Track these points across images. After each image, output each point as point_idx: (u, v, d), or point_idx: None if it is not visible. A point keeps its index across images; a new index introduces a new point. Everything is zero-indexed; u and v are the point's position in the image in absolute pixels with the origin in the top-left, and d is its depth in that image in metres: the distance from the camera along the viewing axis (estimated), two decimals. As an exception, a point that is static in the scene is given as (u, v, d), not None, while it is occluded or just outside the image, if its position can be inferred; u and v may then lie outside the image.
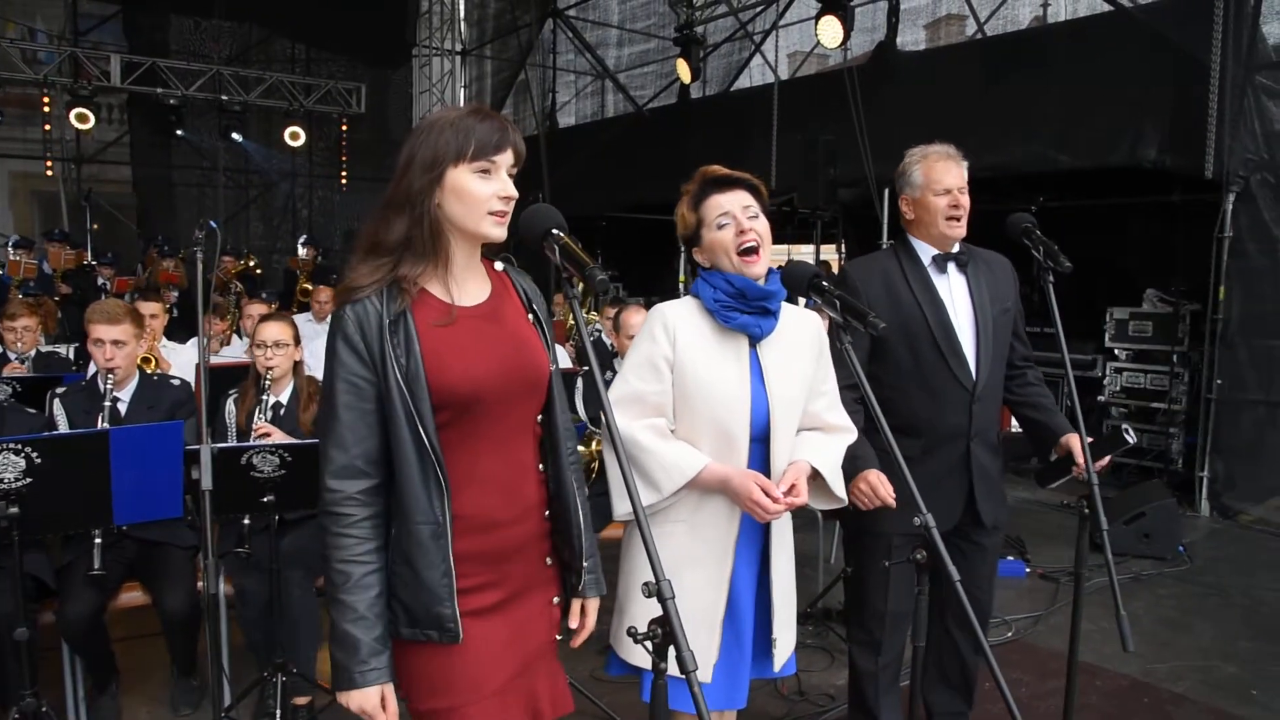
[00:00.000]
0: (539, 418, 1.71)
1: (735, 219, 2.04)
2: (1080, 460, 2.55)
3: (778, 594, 2.15)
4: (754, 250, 2.04)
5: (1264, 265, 6.18)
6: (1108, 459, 2.63)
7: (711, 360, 2.05)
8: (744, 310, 2.05)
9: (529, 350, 1.66)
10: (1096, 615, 4.07)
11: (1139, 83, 6.36)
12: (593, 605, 1.83)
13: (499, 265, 1.73)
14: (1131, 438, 2.53)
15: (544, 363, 1.67)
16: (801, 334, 2.16)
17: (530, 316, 1.71)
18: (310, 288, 8.99)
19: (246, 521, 3.18)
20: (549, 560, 1.73)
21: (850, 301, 1.83)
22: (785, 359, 2.11)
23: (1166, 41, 6.22)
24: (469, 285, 1.65)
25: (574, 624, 1.81)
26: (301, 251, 11.06)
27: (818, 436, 2.19)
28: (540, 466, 1.71)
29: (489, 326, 1.63)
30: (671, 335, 2.05)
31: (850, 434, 2.25)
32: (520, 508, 1.65)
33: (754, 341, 2.09)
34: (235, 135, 12.34)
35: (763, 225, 2.06)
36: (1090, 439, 2.56)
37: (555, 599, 1.76)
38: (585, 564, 1.75)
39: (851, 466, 2.38)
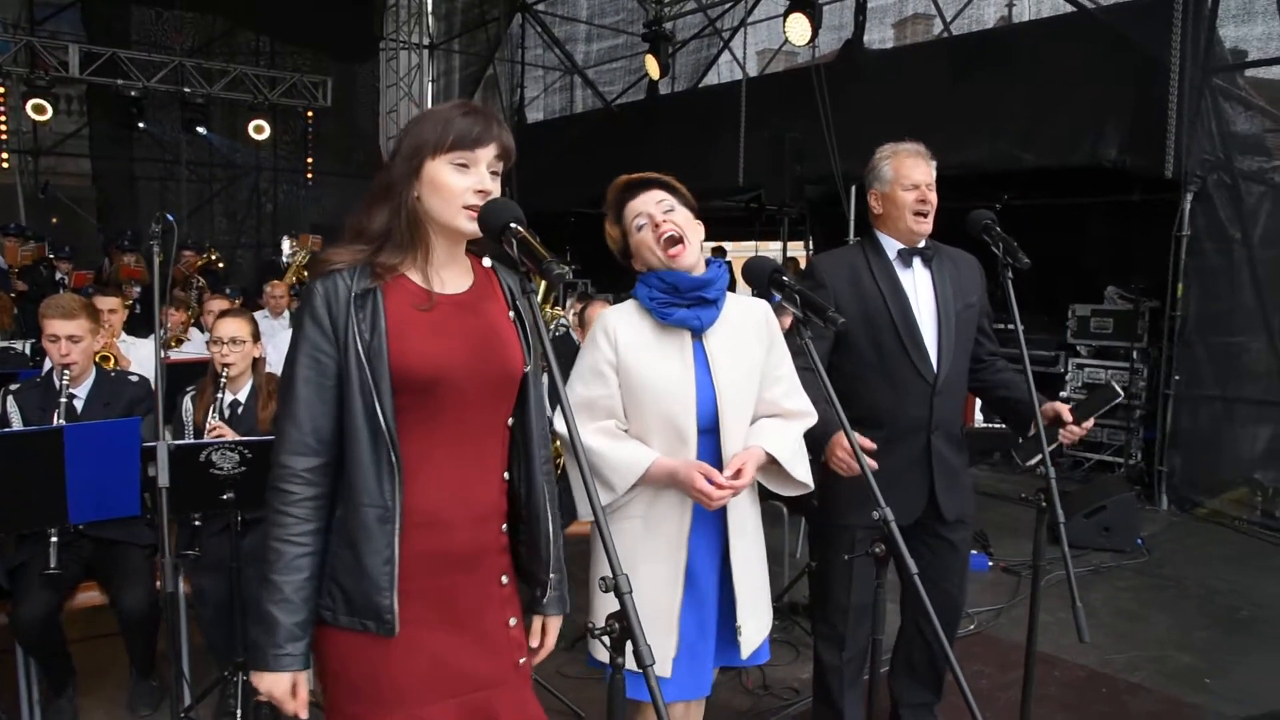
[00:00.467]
0: (509, 420, 1.67)
1: (651, 217, 2.08)
2: (1069, 419, 2.57)
3: (739, 582, 2.16)
4: (676, 240, 2.07)
5: (1220, 264, 6.30)
6: (1092, 420, 2.64)
7: (654, 358, 2.08)
8: (681, 304, 2.08)
9: (502, 345, 1.62)
10: (1056, 607, 4.13)
11: (1101, 83, 6.45)
12: (554, 624, 1.80)
13: (487, 262, 1.70)
14: (1119, 391, 2.53)
15: (517, 361, 1.63)
16: (748, 321, 2.19)
17: (511, 314, 1.67)
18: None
19: (198, 522, 3.13)
20: (505, 579, 1.67)
21: (810, 297, 1.84)
22: (732, 347, 2.14)
23: (1127, 43, 6.31)
24: (449, 276, 1.62)
25: (534, 643, 1.76)
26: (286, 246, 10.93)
27: (774, 423, 2.21)
28: (506, 474, 1.66)
29: (463, 315, 1.60)
30: (613, 339, 2.09)
31: (810, 418, 2.27)
32: (473, 513, 1.60)
33: (697, 334, 2.11)
34: (200, 129, 12.15)
35: (681, 216, 2.10)
36: (1072, 404, 2.60)
37: (513, 620, 1.68)
38: (551, 577, 1.71)
39: (824, 431, 2.39)
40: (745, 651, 2.20)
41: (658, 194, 2.11)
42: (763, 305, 2.24)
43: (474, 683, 1.61)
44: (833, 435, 2.43)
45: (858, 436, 2.24)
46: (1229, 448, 6.51)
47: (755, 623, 2.22)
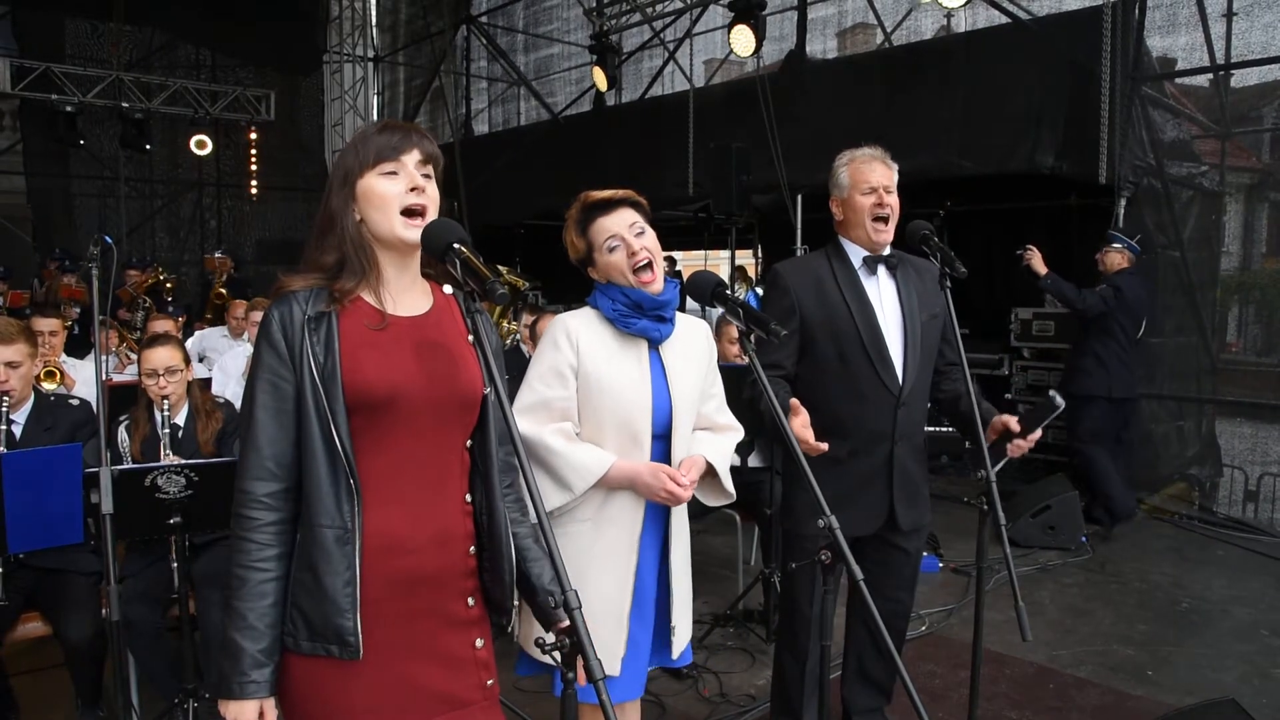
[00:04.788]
0: (469, 444, 1.67)
1: (624, 241, 2.12)
2: (1017, 432, 2.53)
3: (676, 583, 2.24)
4: (648, 266, 2.12)
5: (1153, 266, 6.50)
6: (1039, 431, 2.57)
7: (614, 363, 2.13)
8: (642, 317, 2.14)
9: (460, 368, 1.63)
10: (1005, 606, 4.18)
11: (1036, 92, 6.61)
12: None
13: (447, 289, 1.70)
14: (1060, 401, 2.53)
15: (476, 383, 1.63)
16: (694, 340, 2.28)
17: (471, 338, 1.66)
18: (224, 292, 8.75)
19: (175, 564, 3.03)
20: (471, 601, 1.66)
21: (752, 310, 1.87)
22: (683, 362, 2.22)
23: (1060, 53, 6.48)
24: (405, 299, 1.64)
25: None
26: (217, 254, 10.73)
27: (710, 435, 2.31)
28: (468, 497, 1.66)
29: (420, 337, 1.61)
30: (574, 343, 2.13)
31: (738, 432, 2.37)
32: (434, 534, 1.59)
33: (654, 344, 2.18)
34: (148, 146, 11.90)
35: (650, 240, 2.14)
36: (1018, 414, 2.58)
37: (479, 641, 1.67)
38: (547, 594, 1.69)
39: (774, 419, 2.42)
40: (676, 651, 2.26)
41: (629, 215, 2.14)
42: (704, 327, 2.33)
43: (441, 704, 1.60)
44: (788, 417, 2.38)
45: (811, 439, 2.29)
46: (1166, 445, 6.70)
47: (685, 623, 2.29)
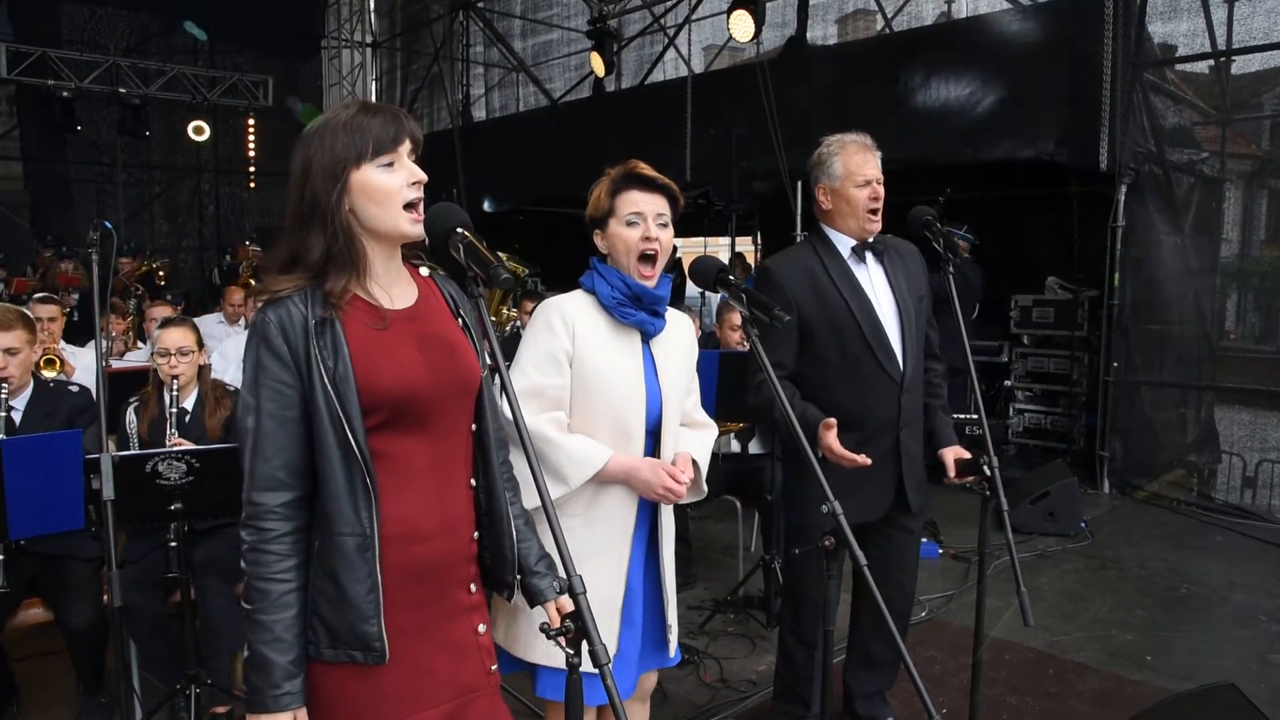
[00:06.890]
0: (472, 427, 1.67)
1: (646, 223, 2.08)
2: (950, 475, 2.70)
3: (668, 582, 2.20)
4: (652, 259, 2.09)
5: (1154, 253, 6.50)
6: (954, 476, 2.74)
7: (609, 354, 2.09)
8: (640, 309, 2.11)
9: (459, 353, 1.62)
10: (1005, 592, 4.20)
11: (1037, 78, 6.59)
12: (554, 608, 1.73)
13: (424, 271, 1.69)
14: (989, 470, 2.55)
15: (475, 366, 1.63)
16: (681, 335, 2.26)
17: (459, 322, 1.67)
18: (254, 282, 8.73)
19: (174, 544, 3.01)
20: (473, 587, 1.66)
21: (756, 295, 1.86)
22: (671, 357, 2.19)
23: (1061, 39, 6.45)
24: (394, 289, 1.61)
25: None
26: (250, 245, 10.68)
27: (692, 432, 2.28)
28: (471, 481, 1.66)
29: (418, 329, 1.59)
30: (570, 329, 2.08)
31: (713, 430, 2.35)
32: (444, 523, 1.59)
33: (646, 338, 2.15)
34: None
35: (667, 236, 2.11)
36: (959, 458, 2.71)
37: (481, 627, 1.67)
38: (533, 575, 1.70)
39: (804, 422, 2.46)
40: (672, 649, 2.23)
41: (662, 204, 2.11)
42: (687, 320, 2.30)
43: (450, 692, 1.60)
44: (816, 431, 2.47)
45: (837, 448, 2.30)
46: (1165, 432, 6.71)
47: (676, 623, 2.26)
